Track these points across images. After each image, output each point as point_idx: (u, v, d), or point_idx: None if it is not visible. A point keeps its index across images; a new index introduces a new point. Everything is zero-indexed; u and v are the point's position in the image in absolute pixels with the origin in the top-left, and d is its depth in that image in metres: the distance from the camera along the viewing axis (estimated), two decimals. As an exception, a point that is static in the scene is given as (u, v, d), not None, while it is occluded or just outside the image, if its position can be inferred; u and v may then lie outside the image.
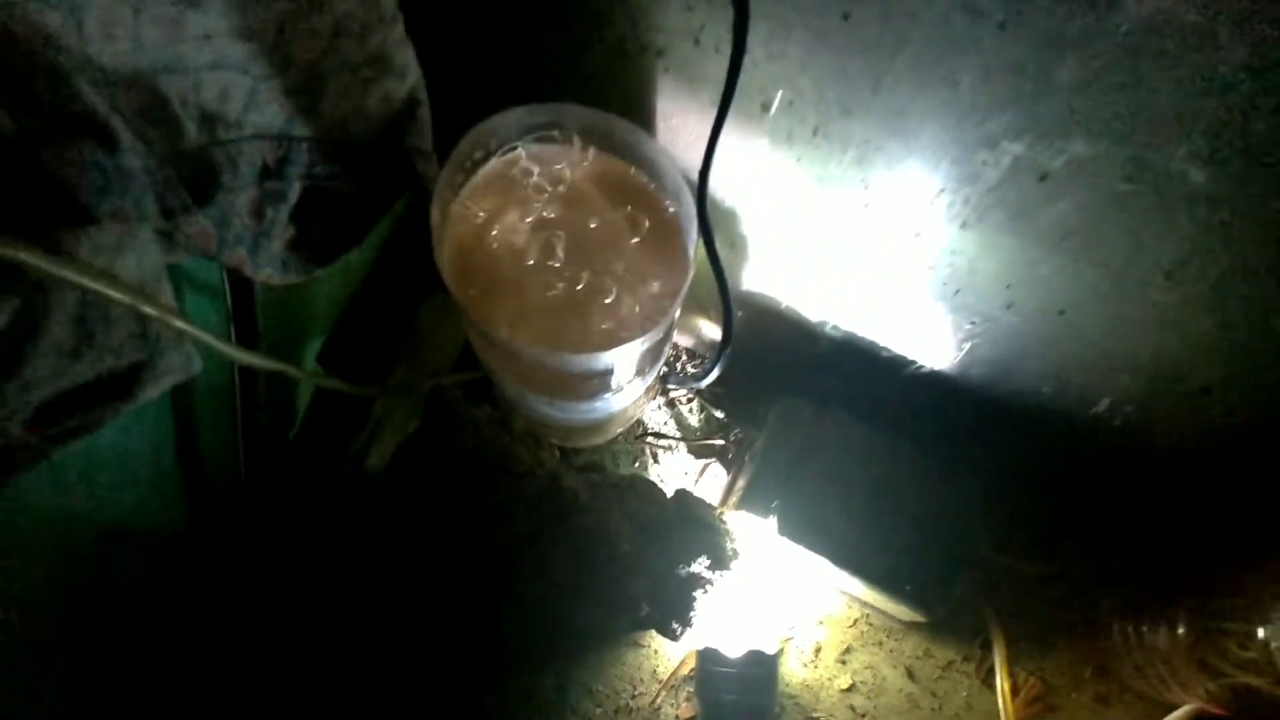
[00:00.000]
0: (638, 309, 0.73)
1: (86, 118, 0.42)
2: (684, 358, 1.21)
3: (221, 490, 1.00)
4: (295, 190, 0.66)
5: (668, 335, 0.84)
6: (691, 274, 0.72)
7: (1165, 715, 1.00)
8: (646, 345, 0.73)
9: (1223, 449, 0.88)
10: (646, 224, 0.77)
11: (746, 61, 0.68)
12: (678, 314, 0.87)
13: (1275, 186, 0.59)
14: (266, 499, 1.08)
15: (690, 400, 1.20)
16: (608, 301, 0.73)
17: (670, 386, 1.17)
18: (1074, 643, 1.13)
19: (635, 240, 0.76)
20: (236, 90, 0.56)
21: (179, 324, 0.52)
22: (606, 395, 0.85)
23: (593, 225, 0.76)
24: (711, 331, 1.16)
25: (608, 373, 0.77)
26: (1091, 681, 1.12)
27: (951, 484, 1.03)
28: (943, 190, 0.73)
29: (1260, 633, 0.87)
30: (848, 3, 0.62)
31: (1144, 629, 1.04)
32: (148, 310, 0.50)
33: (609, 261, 0.76)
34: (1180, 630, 0.98)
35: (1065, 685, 1.11)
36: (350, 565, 1.08)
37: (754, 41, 0.67)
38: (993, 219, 0.73)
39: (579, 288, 0.75)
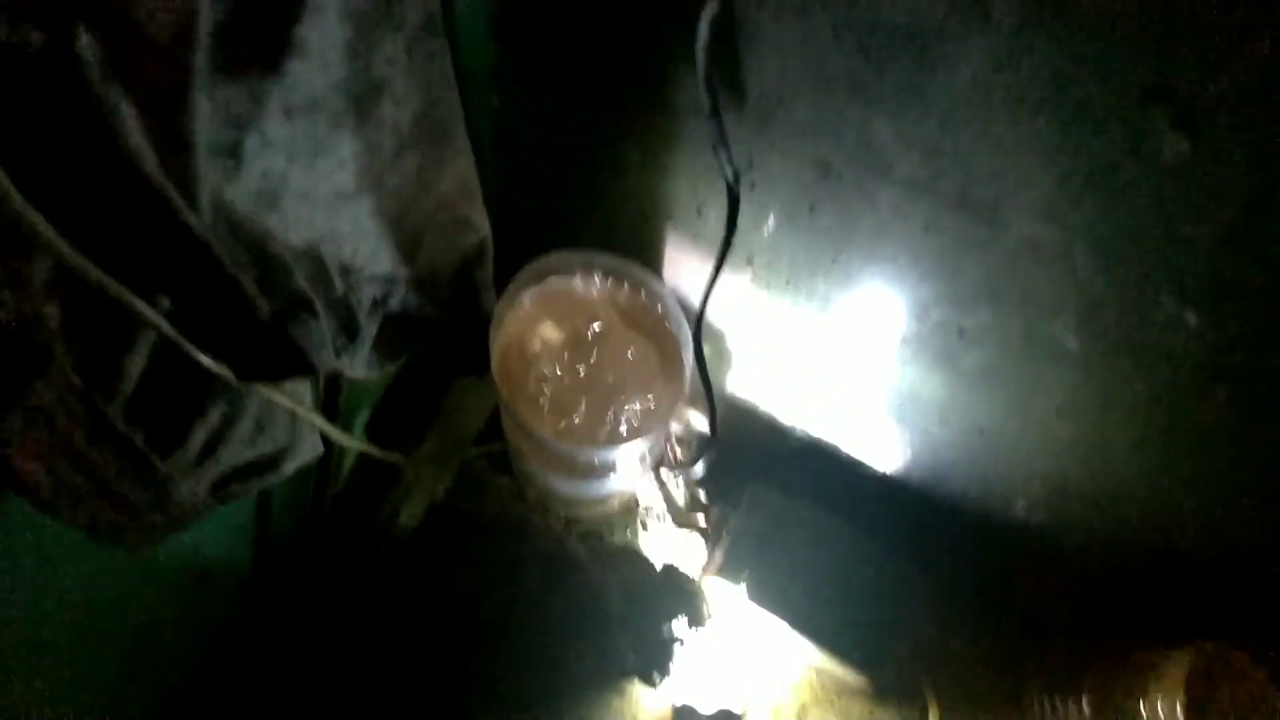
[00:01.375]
0: (643, 416, 0.93)
1: (304, 299, 0.61)
2: (674, 443, 1.41)
3: (283, 543, 1.17)
4: (383, 315, 0.86)
5: (664, 435, 1.04)
6: (688, 389, 0.92)
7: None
8: (649, 441, 0.93)
9: (1114, 550, 1.07)
10: (653, 344, 0.97)
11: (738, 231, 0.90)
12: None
13: (1131, 358, 0.79)
14: (315, 551, 1.25)
15: (677, 477, 1.38)
16: (620, 408, 0.93)
17: (663, 471, 1.36)
18: (1001, 713, 1.30)
19: (644, 356, 0.97)
20: (363, 247, 0.76)
21: (317, 421, 0.72)
22: (610, 476, 1.04)
23: (611, 343, 0.97)
24: (699, 423, 1.36)
25: (613, 462, 0.96)
26: (1014, 746, 1.28)
27: (895, 567, 1.22)
28: (886, 335, 0.94)
29: (1142, 711, 1.05)
30: (813, 199, 0.83)
31: (1057, 704, 1.21)
32: (300, 413, 0.69)
33: (622, 372, 0.96)
34: (1085, 708, 1.16)
35: (991, 748, 1.28)
36: (383, 606, 1.24)
37: (741, 219, 0.88)
38: (925, 359, 0.94)
39: (597, 393, 0.95)
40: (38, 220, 0.39)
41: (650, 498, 1.37)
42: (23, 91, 0.37)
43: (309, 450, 0.75)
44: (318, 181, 0.65)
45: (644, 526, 1.37)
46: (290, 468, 0.74)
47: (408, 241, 0.80)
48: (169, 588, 0.95)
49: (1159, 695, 1.01)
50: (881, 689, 1.28)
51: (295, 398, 0.69)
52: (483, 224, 0.87)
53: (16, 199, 0.39)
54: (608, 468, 0.99)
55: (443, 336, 1.36)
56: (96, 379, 0.54)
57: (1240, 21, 0.54)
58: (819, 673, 1.29)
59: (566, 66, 0.88)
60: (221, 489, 0.68)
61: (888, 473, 1.18)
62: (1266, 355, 0.71)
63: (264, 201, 0.60)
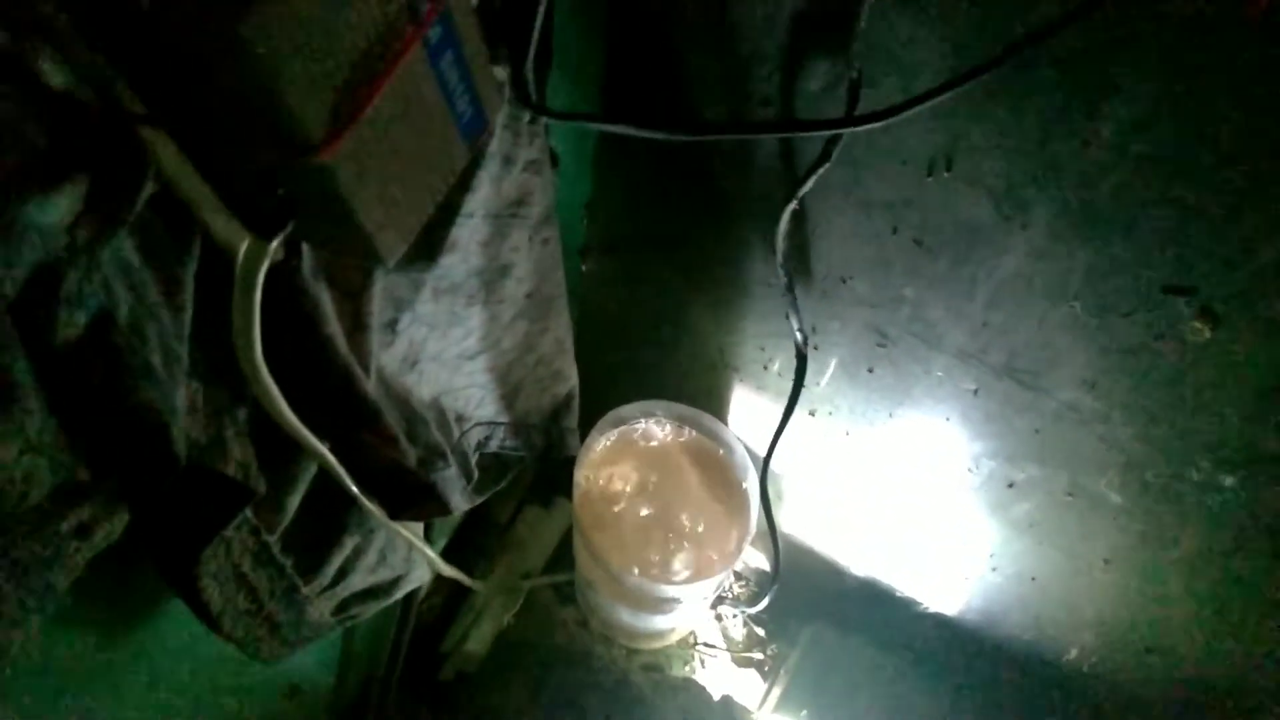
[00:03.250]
0: (712, 556, 1.00)
1: (439, 449, 0.72)
2: (732, 580, 1.46)
3: (363, 665, 1.23)
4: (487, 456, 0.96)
5: (727, 574, 1.10)
6: (754, 532, 1.00)
7: None
8: (715, 581, 1.00)
9: (1168, 700, 1.10)
10: (721, 487, 1.05)
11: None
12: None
13: (1173, 514, 0.85)
14: (389, 675, 1.31)
15: (736, 616, 1.43)
16: (691, 547, 1.00)
17: (726, 608, 1.41)
18: None
19: (713, 499, 1.05)
20: (474, 398, 0.87)
21: (428, 552, 0.80)
22: (677, 610, 1.11)
23: (683, 486, 1.05)
24: (757, 560, 1.42)
25: (681, 598, 1.03)
26: None
27: (954, 710, 1.24)
28: (941, 490, 1.01)
29: None
30: (872, 361, 0.92)
31: None
32: (417, 544, 0.78)
33: (693, 513, 1.04)
34: None
35: None
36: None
37: (807, 373, 0.98)
38: (977, 507, 1.01)
39: (670, 532, 1.02)
40: (264, 371, 0.49)
41: (708, 633, 1.42)
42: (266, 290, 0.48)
43: (418, 578, 0.84)
44: (447, 346, 0.76)
45: (702, 663, 1.41)
46: (401, 593, 0.82)
47: (510, 393, 0.91)
48: (266, 700, 1.02)
49: None
50: (940, 837, 1.28)
51: (414, 532, 0.78)
52: (572, 375, 0.98)
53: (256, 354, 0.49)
54: (675, 603, 1.06)
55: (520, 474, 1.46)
56: (263, 513, 0.64)
57: (1249, 230, 0.63)
58: (876, 817, 1.29)
59: (649, 244, 1.01)
60: (343, 611, 0.77)
61: (943, 612, 1.22)
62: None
63: (407, 365, 0.72)
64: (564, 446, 1.00)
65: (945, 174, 0.72)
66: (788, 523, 1.28)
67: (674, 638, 1.36)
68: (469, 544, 1.41)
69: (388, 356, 0.66)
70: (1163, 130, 0.61)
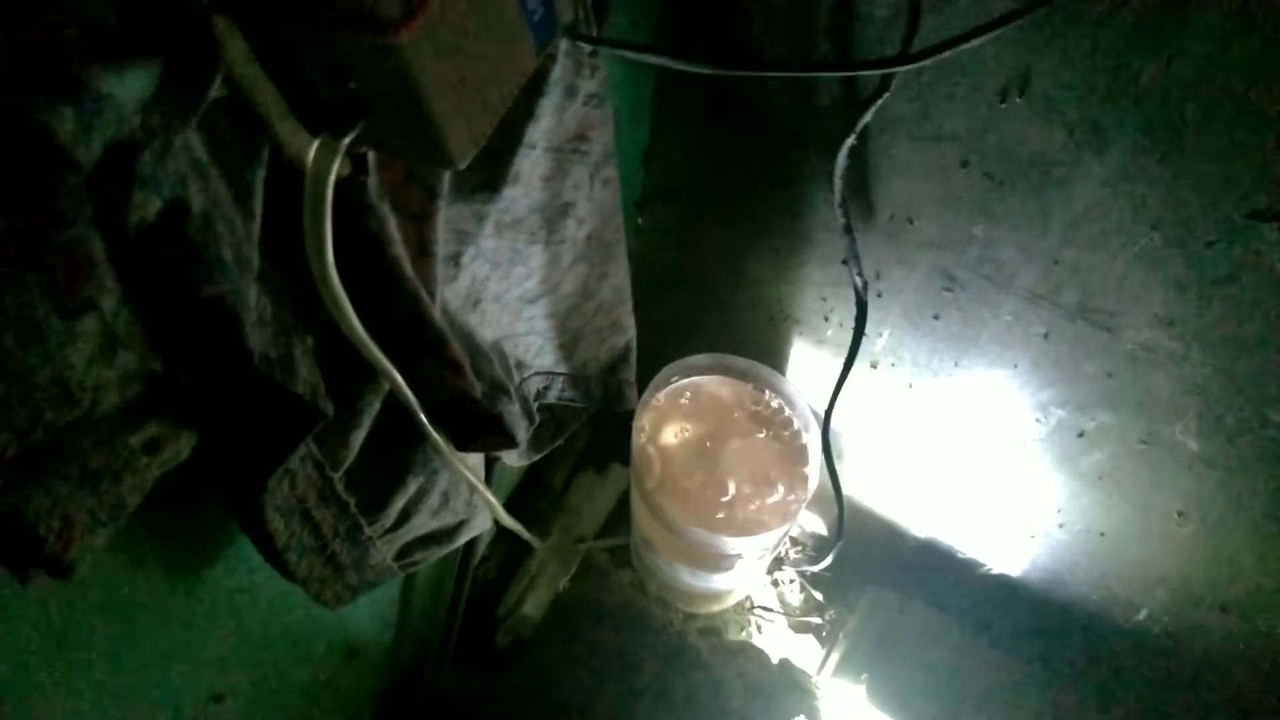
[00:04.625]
0: (773, 509, 0.99)
1: (503, 385, 0.72)
2: (789, 545, 1.45)
3: (420, 630, 1.25)
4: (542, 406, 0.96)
5: (787, 531, 1.09)
6: (815, 487, 0.98)
7: None
8: (776, 536, 0.98)
9: (1240, 660, 1.06)
10: (781, 443, 1.04)
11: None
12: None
13: (1254, 460, 0.82)
14: (446, 638, 1.32)
15: (793, 581, 1.42)
16: (751, 501, 0.99)
17: (786, 568, 1.40)
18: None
19: (773, 454, 1.03)
20: (533, 345, 0.87)
21: (489, 497, 0.80)
22: (734, 569, 1.10)
23: (742, 441, 1.04)
24: (814, 524, 1.40)
25: (741, 554, 1.02)
26: None
27: (1018, 673, 1.22)
28: (1007, 437, 0.98)
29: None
30: (937, 307, 0.90)
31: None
32: (480, 488, 0.78)
33: (752, 468, 1.03)
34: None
35: None
36: (501, 700, 1.29)
37: (867, 326, 0.96)
38: (1044, 460, 0.98)
39: (730, 487, 1.01)
40: (335, 281, 0.49)
41: (765, 598, 1.41)
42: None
43: (480, 524, 0.84)
44: (509, 287, 0.76)
45: (759, 628, 1.40)
46: (463, 539, 0.82)
47: (569, 342, 0.90)
48: (326, 659, 1.03)
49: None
50: (1004, 803, 1.25)
51: (477, 476, 0.78)
52: (630, 326, 0.97)
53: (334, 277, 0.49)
54: (734, 560, 1.05)
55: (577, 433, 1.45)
56: (327, 448, 0.64)
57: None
58: (938, 782, 1.27)
59: (706, 192, 0.99)
60: (405, 556, 0.77)
61: (1006, 573, 1.20)
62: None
63: (470, 303, 0.71)
64: (622, 399, 0.99)
65: (1018, 99, 0.70)
66: (847, 484, 1.27)
67: (730, 601, 1.35)
68: (523, 509, 1.41)
69: (451, 292, 0.66)
70: (1251, 43, 0.58)
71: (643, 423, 1.03)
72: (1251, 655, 1.05)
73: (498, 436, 0.68)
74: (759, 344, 1.09)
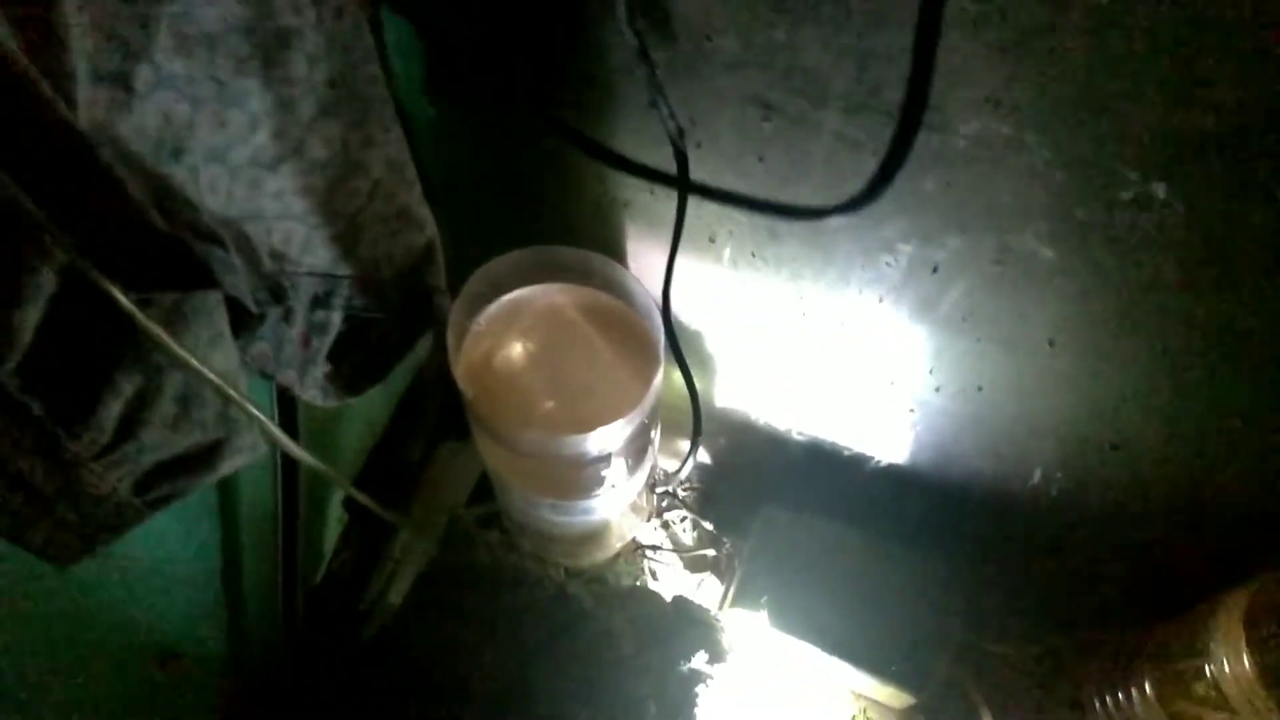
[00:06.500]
0: (618, 398, 0.88)
1: (211, 233, 0.58)
2: (675, 483, 1.34)
3: (259, 626, 1.09)
4: (336, 323, 0.83)
5: (649, 432, 0.99)
6: (662, 367, 0.88)
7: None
8: (630, 430, 0.87)
9: (1143, 501, 1.00)
10: (623, 338, 0.93)
11: (691, 203, 0.88)
12: (658, 429, 1.02)
13: (1110, 255, 0.75)
14: (296, 638, 1.17)
15: (683, 520, 1.31)
16: (593, 394, 0.89)
17: (658, 489, 1.28)
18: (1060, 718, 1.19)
19: (614, 352, 0.93)
20: (296, 236, 0.74)
21: (252, 409, 0.67)
22: (600, 492, 0.98)
23: (576, 336, 0.93)
24: (699, 454, 1.30)
25: (600, 460, 0.90)
26: (1085, 759, 1.16)
27: (921, 571, 1.13)
28: (861, 292, 0.90)
29: (1206, 669, 0.95)
30: (760, 148, 0.81)
31: (1119, 697, 1.10)
32: (232, 394, 0.64)
33: (593, 369, 0.92)
34: (1148, 690, 1.05)
35: (1062, 765, 1.16)
36: (370, 692, 1.14)
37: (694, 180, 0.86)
38: (904, 312, 0.90)
39: (568, 393, 0.90)
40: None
41: (655, 540, 1.30)
42: None
43: (248, 448, 0.70)
44: (230, 141, 0.63)
45: (653, 574, 1.29)
46: (227, 467, 0.68)
47: (346, 234, 0.78)
48: (126, 665, 0.87)
49: (1217, 643, 0.91)
50: (931, 711, 1.17)
51: (229, 380, 0.65)
52: (427, 220, 0.85)
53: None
54: (591, 476, 0.94)
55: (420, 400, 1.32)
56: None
57: None
58: (859, 699, 1.18)
59: (494, 59, 0.89)
60: (149, 487, 0.63)
61: (895, 462, 1.12)
62: (1240, 213, 0.67)
63: (167, 152, 0.59)
64: (430, 308, 0.87)
65: None
66: (719, 397, 1.17)
67: (613, 546, 1.24)
68: (377, 488, 1.27)
69: (127, 126, 0.53)
70: None
71: (461, 333, 0.91)
72: (1139, 495, 0.99)
73: (193, 277, 0.55)
74: (591, 240, 0.99)
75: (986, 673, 1.20)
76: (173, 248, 0.53)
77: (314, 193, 0.73)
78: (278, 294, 0.70)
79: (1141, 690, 1.05)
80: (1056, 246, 0.77)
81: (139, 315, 0.54)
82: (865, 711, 1.19)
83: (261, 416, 0.70)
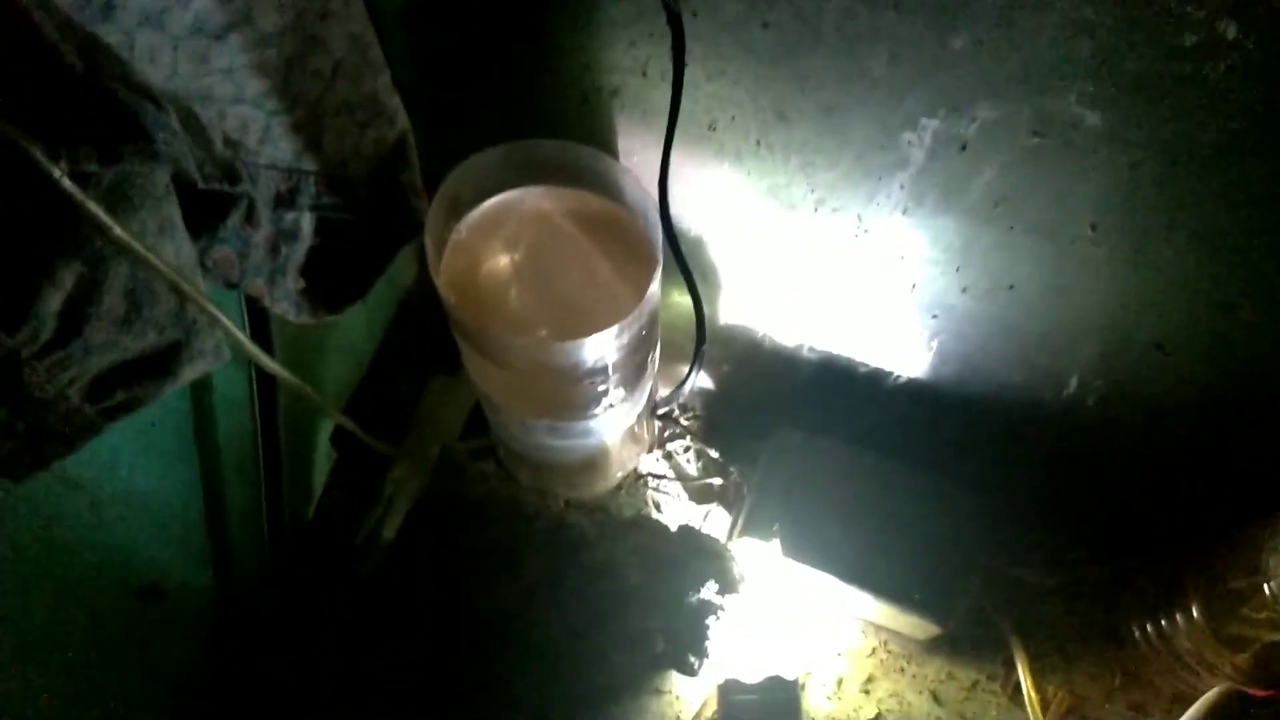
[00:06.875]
0: (613, 306, 0.80)
1: (143, 88, 0.50)
2: (679, 411, 1.27)
3: (246, 562, 1.03)
4: (307, 227, 0.75)
5: (648, 349, 0.91)
6: (659, 267, 0.79)
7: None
8: (626, 338, 0.80)
9: (1191, 410, 0.92)
10: (617, 242, 0.85)
11: (688, 84, 0.79)
12: (657, 349, 0.94)
13: (1170, 116, 0.66)
14: (287, 577, 1.11)
15: (687, 450, 1.24)
16: (585, 302, 0.81)
17: (658, 412, 1.21)
18: (1098, 651, 1.12)
19: (607, 257, 0.84)
20: (253, 123, 0.66)
21: (210, 307, 0.59)
22: (598, 411, 0.91)
23: (571, 252, 0.85)
24: (702, 379, 1.22)
25: (596, 374, 0.82)
26: (1122, 690, 1.10)
27: (944, 496, 1.06)
28: (880, 179, 0.81)
29: (1265, 588, 0.88)
30: (765, 12, 0.72)
31: (1163, 624, 1.03)
32: (186, 288, 0.57)
33: (586, 278, 0.84)
34: (1195, 614, 0.98)
35: (1096, 696, 1.09)
36: (366, 630, 1.08)
37: (692, 61, 0.77)
38: (929, 200, 0.81)
39: (560, 301, 0.82)
40: None
41: (659, 470, 1.23)
42: None
43: (210, 352, 0.62)
44: (168, 2, 0.55)
45: (657, 506, 1.22)
46: (188, 372, 0.61)
47: (308, 123, 0.70)
48: (104, 600, 0.81)
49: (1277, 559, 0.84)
50: (955, 642, 1.10)
51: (182, 275, 0.57)
52: (398, 111, 0.77)
53: None
54: (593, 386, 0.86)
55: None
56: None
57: None
58: (879, 631, 1.11)
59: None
60: (104, 394, 0.56)
61: (916, 377, 1.04)
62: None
63: (95, 8, 0.50)
64: (405, 209, 0.79)
65: None
66: (723, 312, 1.09)
67: (614, 473, 1.16)
68: (366, 423, 1.20)
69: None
70: None
71: (440, 238, 0.83)
72: (1194, 403, 0.91)
73: (119, 128, 0.47)
74: (579, 136, 0.90)
75: (1015, 601, 1.13)
76: (96, 96, 0.45)
77: (269, 71, 0.65)
78: (231, 174, 0.62)
79: (1189, 614, 0.98)
80: (1103, 111, 0.68)
81: (73, 190, 0.46)
82: (886, 644, 1.12)
83: (221, 316, 0.63)
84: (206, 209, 0.67)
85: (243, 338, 0.66)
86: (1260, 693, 0.93)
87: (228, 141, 0.64)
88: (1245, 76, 0.61)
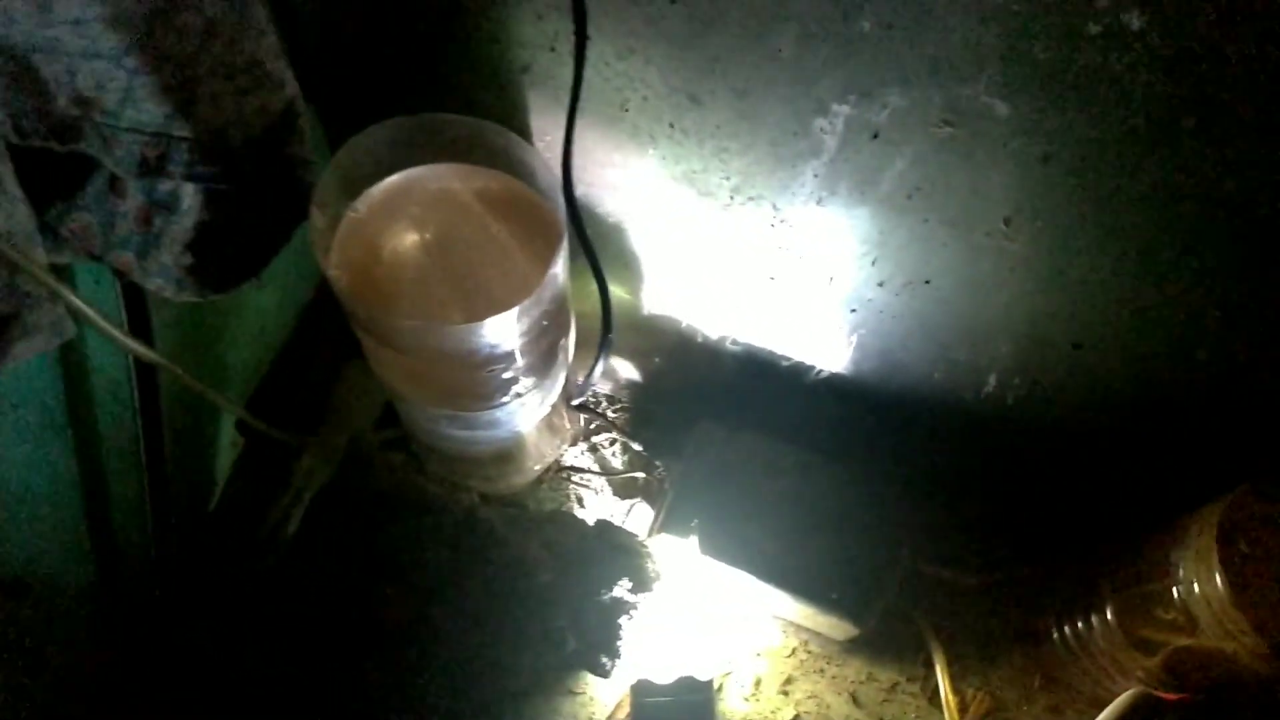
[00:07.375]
0: (517, 285, 0.77)
1: None
2: (603, 404, 1.24)
3: (135, 554, 0.98)
4: (189, 200, 0.70)
5: (558, 336, 0.87)
6: (563, 247, 0.76)
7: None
8: (527, 323, 0.76)
9: (1108, 411, 0.91)
10: (524, 224, 0.82)
11: (599, 62, 0.76)
12: (570, 337, 0.91)
13: (1077, 107, 0.64)
14: (182, 568, 1.06)
15: (612, 444, 1.21)
16: (488, 284, 0.77)
17: (574, 402, 1.18)
18: (1018, 653, 1.11)
19: (514, 240, 0.81)
20: (112, 83, 0.61)
21: (46, 277, 0.55)
22: (505, 401, 0.87)
23: (477, 233, 0.81)
24: (628, 371, 1.19)
25: (498, 359, 0.79)
26: (1041, 692, 1.09)
27: (866, 493, 1.04)
28: (794, 167, 0.79)
29: (1174, 591, 0.87)
30: (672, -16, 0.69)
31: (1079, 626, 1.02)
32: (14, 256, 0.52)
33: (492, 261, 0.80)
34: (1110, 616, 0.97)
35: (1015, 698, 1.09)
36: (263, 632, 1.04)
37: (601, 38, 0.74)
38: (843, 190, 0.79)
39: (465, 285, 0.79)
40: None
41: (583, 464, 1.20)
42: None
43: (47, 329, 0.58)
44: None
45: (579, 501, 1.19)
46: (23, 350, 0.56)
47: (177, 86, 0.65)
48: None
49: (1188, 562, 0.83)
50: (876, 642, 1.09)
51: (12, 242, 0.53)
52: (286, 79, 0.72)
53: None
54: (498, 374, 0.82)
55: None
56: None
57: None
58: (799, 631, 1.09)
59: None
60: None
61: (837, 371, 1.02)
62: (1222, 47, 0.57)
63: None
64: (294, 181, 0.75)
65: None
66: (648, 303, 1.06)
67: (531, 466, 1.13)
68: (275, 409, 1.15)
69: None
70: None
71: (328, 212, 0.78)
72: (1113, 401, 0.90)
73: None
74: (485, 107, 0.86)
75: (935, 602, 1.12)
76: None
77: (127, 25, 0.60)
78: (61, 133, 0.57)
79: (1103, 616, 0.97)
80: (1013, 100, 0.66)
81: None
82: (806, 644, 1.10)
83: (63, 289, 0.58)
84: (61, 175, 0.63)
85: (92, 313, 0.61)
86: (1172, 696, 0.93)
87: (79, 99, 0.59)
88: (1150, 69, 0.59)
